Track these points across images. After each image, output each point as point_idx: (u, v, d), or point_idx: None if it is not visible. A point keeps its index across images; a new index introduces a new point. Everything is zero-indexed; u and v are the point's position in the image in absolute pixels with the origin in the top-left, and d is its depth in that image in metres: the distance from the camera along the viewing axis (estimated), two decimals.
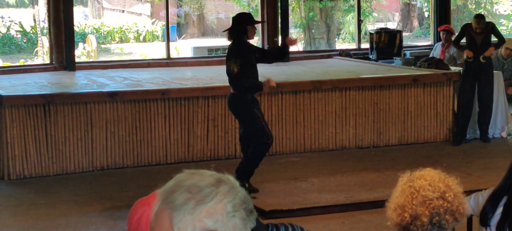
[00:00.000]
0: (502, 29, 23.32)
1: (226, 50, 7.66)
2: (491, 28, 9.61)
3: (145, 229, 2.53)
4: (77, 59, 14.28)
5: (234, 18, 7.42)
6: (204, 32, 30.16)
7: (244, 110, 7.33)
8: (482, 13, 20.06)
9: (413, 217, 2.85)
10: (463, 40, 9.77)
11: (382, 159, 8.86)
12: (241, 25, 7.22)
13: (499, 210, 3.54)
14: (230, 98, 7.45)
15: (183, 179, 1.80)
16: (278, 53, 7.91)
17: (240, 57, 7.15)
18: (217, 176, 1.81)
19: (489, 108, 9.64)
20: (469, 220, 4.01)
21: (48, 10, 11.27)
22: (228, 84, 7.25)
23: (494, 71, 9.82)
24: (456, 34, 10.55)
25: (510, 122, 10.17)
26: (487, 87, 9.58)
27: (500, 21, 24.66)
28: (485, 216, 3.56)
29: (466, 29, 9.65)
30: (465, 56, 9.60)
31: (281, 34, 12.00)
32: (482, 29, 9.44)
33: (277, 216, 6.62)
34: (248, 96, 7.27)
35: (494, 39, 9.76)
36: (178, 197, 1.76)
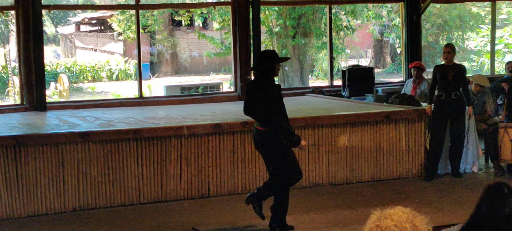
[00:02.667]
0: (473, 65, 23.61)
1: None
2: (462, 70, 9.73)
3: None
4: (48, 99, 14.24)
5: (259, 57, 7.29)
6: (177, 70, 30.17)
7: (277, 146, 7.12)
8: None
9: None
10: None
11: (355, 195, 8.87)
12: (267, 64, 7.08)
13: None
14: (261, 136, 7.18)
15: None
16: None
17: (275, 95, 7.05)
18: None
19: (460, 144, 9.74)
20: None
21: (19, 50, 11.20)
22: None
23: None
24: (427, 71, 10.61)
25: (481, 157, 10.27)
26: (458, 123, 9.68)
27: (470, 57, 24.99)
28: None
29: (437, 70, 9.75)
30: (436, 95, 9.68)
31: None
32: (450, 58, 9.56)
33: None
34: (281, 134, 7.11)
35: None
36: None
